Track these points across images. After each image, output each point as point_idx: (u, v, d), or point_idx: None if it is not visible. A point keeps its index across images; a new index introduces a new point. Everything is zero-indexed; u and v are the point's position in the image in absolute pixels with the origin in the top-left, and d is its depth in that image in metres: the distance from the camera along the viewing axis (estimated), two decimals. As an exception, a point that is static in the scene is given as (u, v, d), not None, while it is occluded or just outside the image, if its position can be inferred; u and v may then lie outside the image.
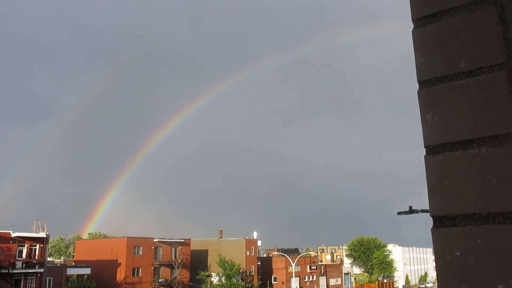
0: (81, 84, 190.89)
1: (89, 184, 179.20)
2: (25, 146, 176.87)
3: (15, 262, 44.62)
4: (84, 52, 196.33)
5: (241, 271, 69.64)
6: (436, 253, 1.26)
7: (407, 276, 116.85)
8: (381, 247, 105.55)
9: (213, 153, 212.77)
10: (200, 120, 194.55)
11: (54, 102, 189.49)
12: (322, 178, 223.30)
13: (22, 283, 45.30)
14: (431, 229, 1.26)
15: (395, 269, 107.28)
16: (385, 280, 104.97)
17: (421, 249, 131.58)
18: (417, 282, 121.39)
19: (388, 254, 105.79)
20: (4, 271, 42.94)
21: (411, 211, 21.69)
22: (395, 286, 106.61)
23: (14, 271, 43.86)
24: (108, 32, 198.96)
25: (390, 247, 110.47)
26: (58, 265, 58.12)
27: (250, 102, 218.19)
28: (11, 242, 45.05)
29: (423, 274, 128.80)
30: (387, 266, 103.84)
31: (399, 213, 22.41)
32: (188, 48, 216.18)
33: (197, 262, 71.96)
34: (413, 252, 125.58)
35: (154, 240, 63.67)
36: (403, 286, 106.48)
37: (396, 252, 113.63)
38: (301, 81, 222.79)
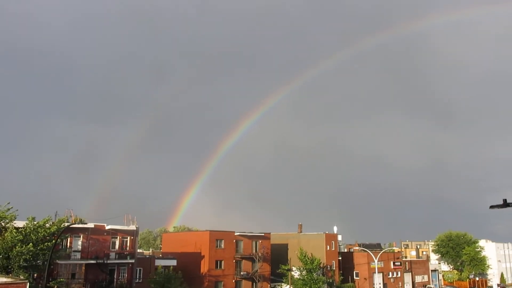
0: (169, 82, 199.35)
1: (172, 180, 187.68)
2: (115, 145, 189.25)
3: (109, 253, 47.90)
4: (171, 52, 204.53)
5: (321, 265, 68.89)
6: None
7: (502, 274, 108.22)
8: (471, 242, 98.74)
9: (289, 150, 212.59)
10: (274, 118, 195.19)
11: (143, 103, 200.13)
12: (402, 174, 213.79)
13: (115, 272, 48.53)
14: None
15: (488, 266, 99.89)
16: (477, 278, 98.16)
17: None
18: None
19: (480, 250, 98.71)
20: (100, 261, 46.28)
21: (505, 204, 20.20)
22: (488, 284, 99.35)
23: (108, 261, 47.15)
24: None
25: (482, 242, 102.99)
26: (147, 256, 61.42)
27: (322, 95, 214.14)
28: (105, 234, 48.41)
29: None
30: (479, 263, 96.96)
31: (491, 207, 21.08)
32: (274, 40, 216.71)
33: (277, 256, 72.31)
34: (508, 248, 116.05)
35: (235, 234, 64.98)
36: (498, 284, 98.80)
37: (489, 248, 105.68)
38: (374, 73, 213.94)
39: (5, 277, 25.77)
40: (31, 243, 33.02)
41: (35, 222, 36.15)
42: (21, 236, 33.69)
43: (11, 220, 34.68)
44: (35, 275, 38.09)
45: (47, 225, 36.78)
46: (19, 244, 32.72)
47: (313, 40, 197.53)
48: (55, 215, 43.73)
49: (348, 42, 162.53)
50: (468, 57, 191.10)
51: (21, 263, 32.91)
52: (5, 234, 33.36)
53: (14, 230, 34.38)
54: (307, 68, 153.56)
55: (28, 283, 28.72)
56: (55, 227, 37.53)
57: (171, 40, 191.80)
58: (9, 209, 34.59)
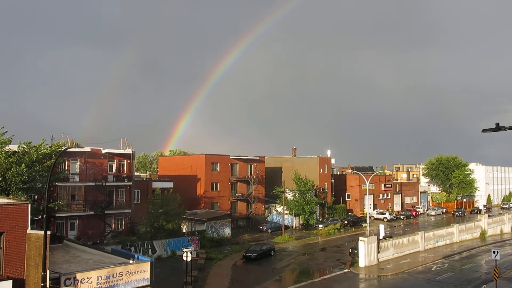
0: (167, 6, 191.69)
1: (168, 105, 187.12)
2: (106, 68, 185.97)
3: (107, 176, 49.04)
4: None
5: (314, 187, 71.08)
6: None
7: (489, 196, 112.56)
8: (461, 166, 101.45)
9: (286, 76, 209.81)
10: (270, 42, 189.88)
11: (131, 26, 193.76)
12: (398, 97, 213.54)
13: (114, 194, 50.07)
14: None
15: (476, 188, 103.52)
16: (464, 200, 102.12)
17: (506, 168, 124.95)
18: (500, 202, 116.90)
19: (469, 173, 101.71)
20: (99, 183, 47.53)
21: (498, 128, 20.31)
22: (475, 205, 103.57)
23: (106, 184, 48.43)
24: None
25: (472, 166, 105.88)
26: (144, 179, 62.98)
27: (319, 20, 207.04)
28: (102, 158, 49.21)
29: (507, 194, 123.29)
30: (467, 186, 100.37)
31: (484, 130, 21.15)
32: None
33: (272, 178, 74.39)
34: (497, 171, 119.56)
35: (230, 158, 66.25)
36: (484, 205, 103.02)
37: (479, 172, 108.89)
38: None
39: (7, 198, 26.30)
40: (23, 164, 33.30)
41: (30, 145, 36.28)
42: (14, 158, 33.97)
43: (5, 144, 34.71)
44: (36, 197, 39.20)
45: (42, 148, 37.02)
46: (14, 166, 33.07)
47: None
48: (51, 139, 44.10)
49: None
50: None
51: (18, 184, 33.45)
52: None
53: (7, 152, 34.52)
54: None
55: (29, 204, 29.56)
56: (50, 149, 37.87)
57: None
58: (4, 133, 34.53)
